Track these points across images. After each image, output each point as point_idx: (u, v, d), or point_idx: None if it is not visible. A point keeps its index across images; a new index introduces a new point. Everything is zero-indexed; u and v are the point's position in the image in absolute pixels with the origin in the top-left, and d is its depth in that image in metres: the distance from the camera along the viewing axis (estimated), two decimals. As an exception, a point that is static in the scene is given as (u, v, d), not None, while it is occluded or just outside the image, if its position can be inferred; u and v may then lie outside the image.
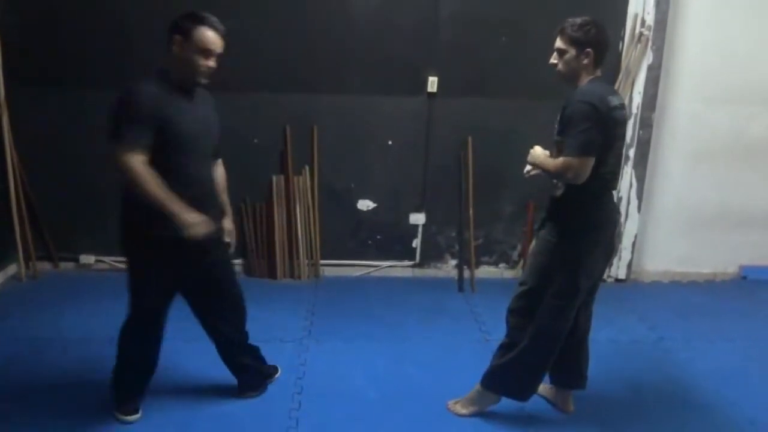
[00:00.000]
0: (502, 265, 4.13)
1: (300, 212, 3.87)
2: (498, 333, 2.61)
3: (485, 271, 4.09)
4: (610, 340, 3.22)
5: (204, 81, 2.18)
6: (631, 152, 3.87)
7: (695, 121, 3.90)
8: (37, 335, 3.10)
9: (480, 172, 3.86)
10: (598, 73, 2.22)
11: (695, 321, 3.56)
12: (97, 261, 3.92)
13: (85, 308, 3.38)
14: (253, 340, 2.65)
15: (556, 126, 2.23)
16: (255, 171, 3.79)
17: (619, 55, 3.77)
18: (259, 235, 3.90)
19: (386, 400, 2.67)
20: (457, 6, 3.64)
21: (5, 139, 3.56)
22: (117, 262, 3.82)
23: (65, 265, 3.93)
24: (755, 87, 3.87)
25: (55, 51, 3.57)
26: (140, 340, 2.40)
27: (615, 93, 2.26)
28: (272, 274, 3.93)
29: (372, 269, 4.07)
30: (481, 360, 2.59)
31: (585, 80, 2.19)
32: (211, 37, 2.11)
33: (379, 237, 4.02)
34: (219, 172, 2.47)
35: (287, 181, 3.82)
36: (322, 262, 3.99)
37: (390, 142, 3.84)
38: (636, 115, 3.81)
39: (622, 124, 2.26)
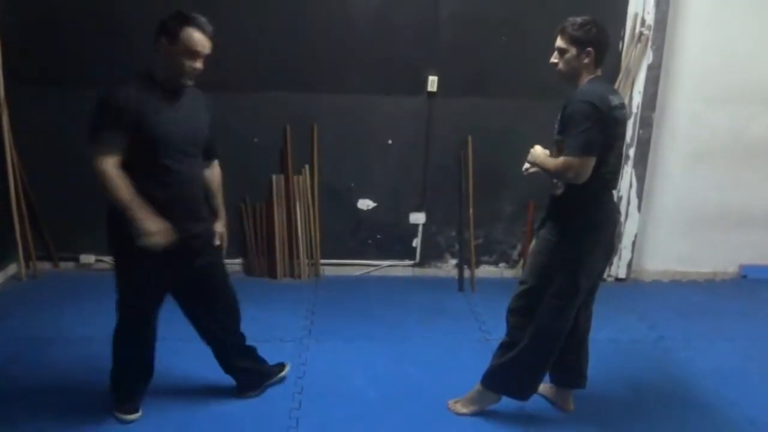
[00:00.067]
0: (502, 264, 4.13)
1: (300, 212, 3.87)
2: (498, 332, 2.62)
3: (485, 271, 4.09)
4: (610, 339, 3.22)
5: (189, 83, 2.14)
6: (631, 152, 3.87)
7: (695, 120, 3.90)
8: (37, 335, 3.10)
9: (480, 171, 3.86)
10: (599, 72, 2.22)
11: (695, 320, 3.56)
12: (97, 261, 3.91)
13: (85, 308, 3.38)
14: (253, 340, 2.64)
15: (557, 125, 2.23)
16: (255, 170, 3.79)
17: (619, 54, 3.77)
18: (259, 234, 3.90)
19: (386, 399, 2.67)
20: (457, 6, 3.64)
21: (5, 139, 3.56)
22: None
23: (65, 265, 3.93)
24: (755, 87, 3.87)
25: (55, 51, 3.57)
26: (132, 343, 2.39)
27: (615, 92, 2.26)
28: (272, 273, 3.93)
29: (372, 269, 4.07)
30: (481, 359, 2.58)
31: (585, 80, 2.19)
32: (198, 38, 2.06)
33: (379, 236, 4.02)
34: (214, 173, 2.44)
35: (287, 180, 3.82)
36: (322, 261, 3.99)
37: (390, 142, 3.85)
38: (636, 114, 3.81)
39: (623, 123, 2.26)
